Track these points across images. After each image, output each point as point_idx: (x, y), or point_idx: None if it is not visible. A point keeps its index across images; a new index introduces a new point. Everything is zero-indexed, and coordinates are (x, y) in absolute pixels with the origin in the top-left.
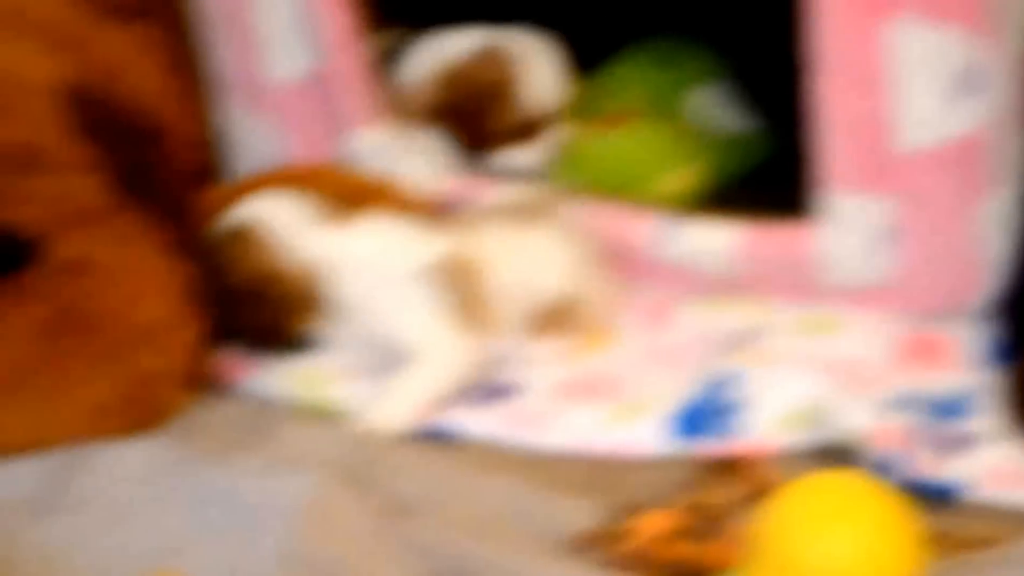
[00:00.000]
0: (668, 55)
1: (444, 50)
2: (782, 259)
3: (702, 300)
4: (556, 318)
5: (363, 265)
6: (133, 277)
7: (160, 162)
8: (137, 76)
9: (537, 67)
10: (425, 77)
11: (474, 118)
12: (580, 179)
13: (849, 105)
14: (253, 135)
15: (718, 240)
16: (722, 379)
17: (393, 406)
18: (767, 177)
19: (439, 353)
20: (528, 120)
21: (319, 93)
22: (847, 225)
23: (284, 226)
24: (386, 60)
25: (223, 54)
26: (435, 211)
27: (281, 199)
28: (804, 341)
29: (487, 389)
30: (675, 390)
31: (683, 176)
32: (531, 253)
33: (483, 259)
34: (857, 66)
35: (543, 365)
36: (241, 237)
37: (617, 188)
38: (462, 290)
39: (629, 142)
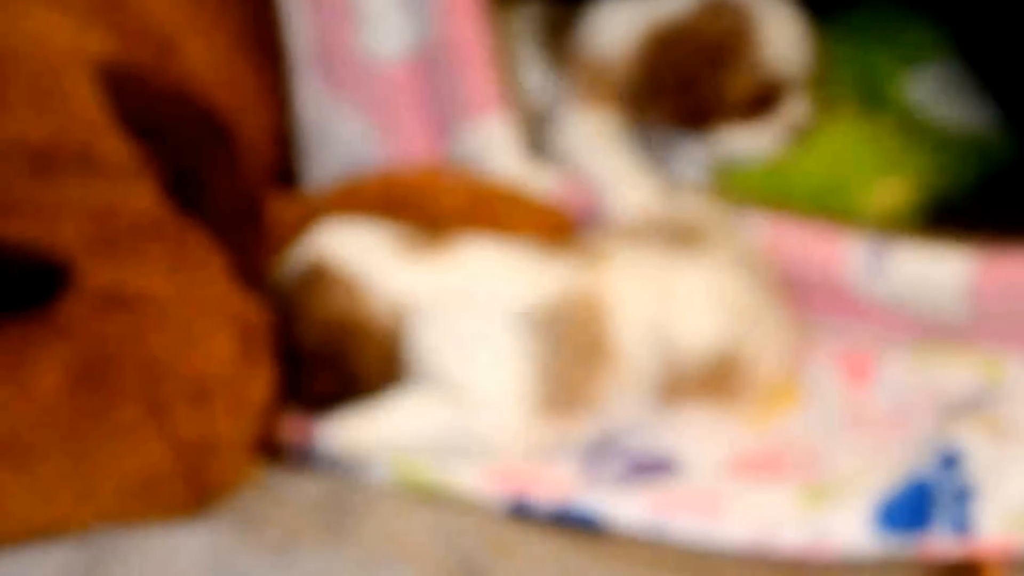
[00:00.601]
0: (880, 27)
1: (653, 9)
2: None
3: (918, 350)
4: (711, 382)
5: (447, 307)
6: (187, 313)
7: (224, 164)
8: (195, 51)
9: (777, 23)
10: (626, 44)
11: (697, 84)
12: (760, 190)
13: None
14: (343, 128)
15: (942, 272)
16: (943, 456)
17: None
18: (1007, 189)
19: (492, 432)
20: (765, 90)
21: (429, 74)
22: None
23: (366, 264)
24: (554, 33)
25: (304, 24)
26: (574, 230)
27: (362, 228)
28: None
29: (634, 462)
30: (881, 469)
31: (898, 187)
32: (682, 292)
33: (611, 300)
34: None
35: (705, 434)
36: (313, 280)
37: (810, 202)
38: (567, 347)
39: (827, 142)
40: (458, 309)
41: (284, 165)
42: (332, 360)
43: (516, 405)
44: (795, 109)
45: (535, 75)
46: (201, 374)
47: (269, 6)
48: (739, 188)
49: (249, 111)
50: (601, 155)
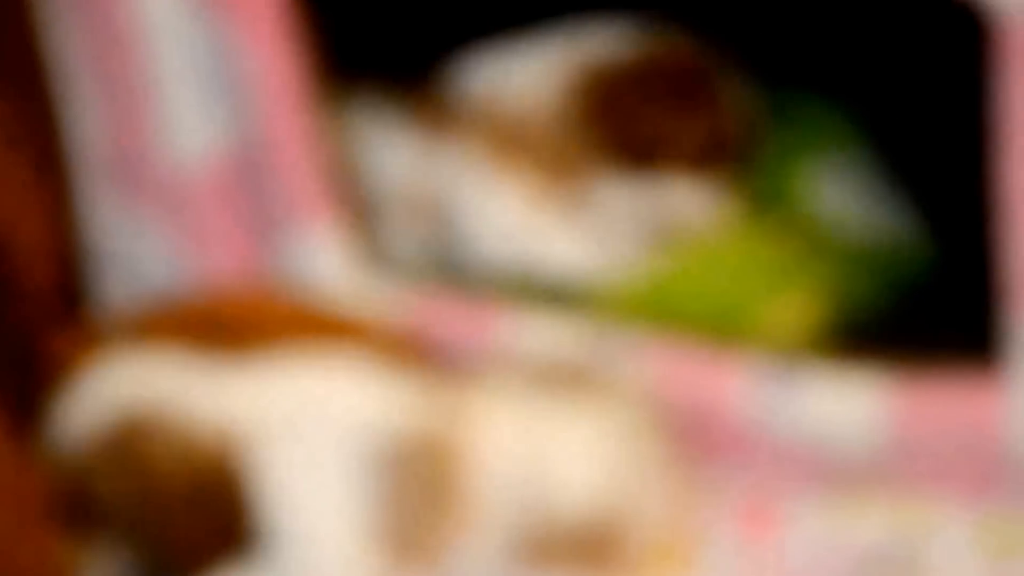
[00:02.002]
0: (777, 111)
1: (578, 45)
2: (953, 435)
3: (828, 497)
4: (584, 546)
5: (273, 439)
6: None
7: None
8: None
9: (726, 76)
10: (546, 89)
11: (648, 118)
12: (646, 308)
13: None
14: (142, 244)
15: (854, 404)
16: None
17: None
18: (928, 305)
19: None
20: (718, 138)
21: (243, 178)
22: None
23: (180, 398)
24: (421, 108)
25: (94, 124)
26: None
27: (152, 357)
28: (989, 566)
29: None
30: None
31: (797, 303)
32: (556, 443)
33: (467, 441)
34: None
35: None
36: (126, 436)
37: (701, 322)
38: (417, 488)
39: (719, 249)
40: (286, 440)
41: (67, 290)
42: (167, 521)
43: (352, 554)
44: (741, 170)
45: (403, 161)
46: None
47: (46, 103)
48: (622, 306)
49: (25, 226)
50: (535, 225)
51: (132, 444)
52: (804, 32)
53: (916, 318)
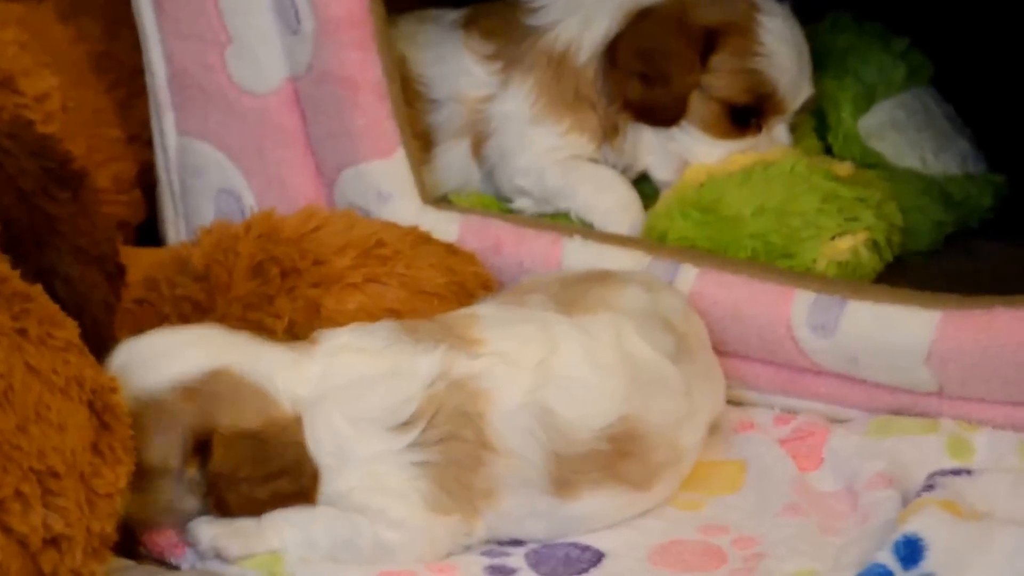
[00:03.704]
0: (841, 57)
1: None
2: (1000, 359)
3: (873, 426)
4: (610, 462)
5: (327, 414)
6: (34, 390)
7: (74, 214)
8: (40, 87)
9: (781, 30)
10: (603, 33)
11: (672, 76)
12: (698, 237)
13: None
14: (212, 174)
15: (903, 329)
16: (902, 548)
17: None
18: (985, 235)
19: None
20: (749, 100)
21: (312, 111)
22: None
23: (262, 368)
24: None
25: (168, 56)
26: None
27: (222, 332)
28: None
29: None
30: (836, 565)
31: (853, 237)
32: (564, 369)
33: (489, 379)
34: None
35: (627, 524)
36: (218, 391)
37: (755, 252)
38: (448, 440)
39: (779, 189)
40: (337, 416)
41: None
42: (258, 470)
43: (408, 508)
44: (777, 136)
45: (475, 75)
46: (50, 461)
47: (126, 35)
48: (671, 229)
49: (104, 154)
50: (576, 174)
51: (211, 398)
52: None
53: (976, 251)
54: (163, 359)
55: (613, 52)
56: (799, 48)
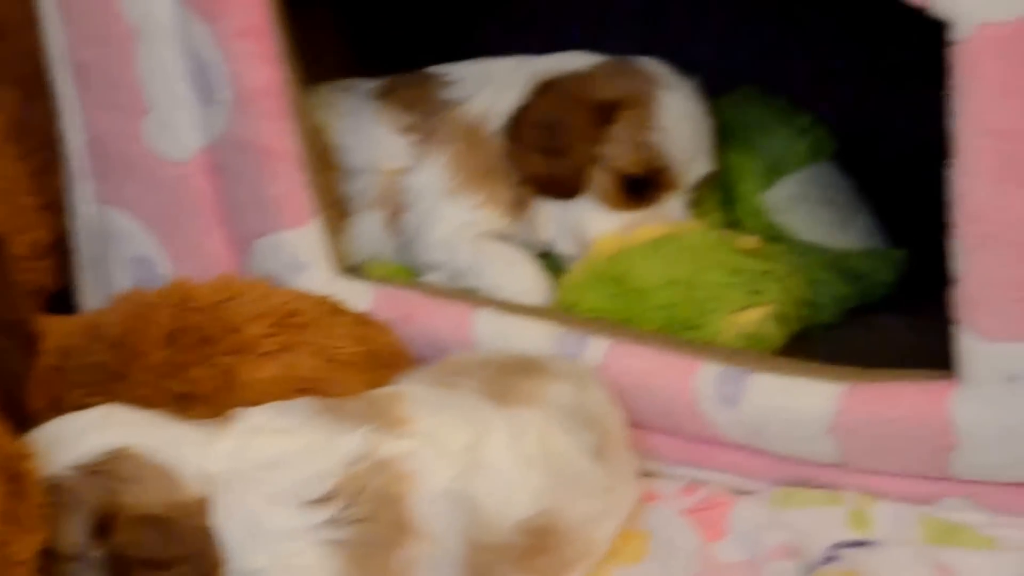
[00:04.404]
0: (746, 131)
1: (543, 64)
2: (900, 431)
3: (777, 496)
4: (528, 554)
5: (239, 493)
6: None
7: None
8: None
9: (680, 106)
10: (509, 103)
11: (572, 148)
12: (607, 309)
13: (1008, 204)
14: (128, 243)
15: (806, 400)
16: None
17: None
18: (886, 309)
19: None
20: (645, 173)
21: (228, 179)
22: (997, 386)
23: (169, 448)
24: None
25: (85, 125)
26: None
27: (138, 412)
28: (930, 554)
29: None
30: None
31: (757, 310)
32: (491, 456)
33: (415, 462)
34: (1018, 146)
35: None
36: (118, 470)
37: (663, 324)
38: (369, 526)
39: (685, 261)
40: (250, 493)
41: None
42: (159, 554)
43: None
44: (672, 209)
45: (391, 147)
46: None
47: (43, 103)
48: (581, 302)
49: (20, 222)
50: (485, 249)
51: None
52: (779, 44)
53: (877, 325)
54: (68, 441)
55: (515, 126)
56: (697, 125)
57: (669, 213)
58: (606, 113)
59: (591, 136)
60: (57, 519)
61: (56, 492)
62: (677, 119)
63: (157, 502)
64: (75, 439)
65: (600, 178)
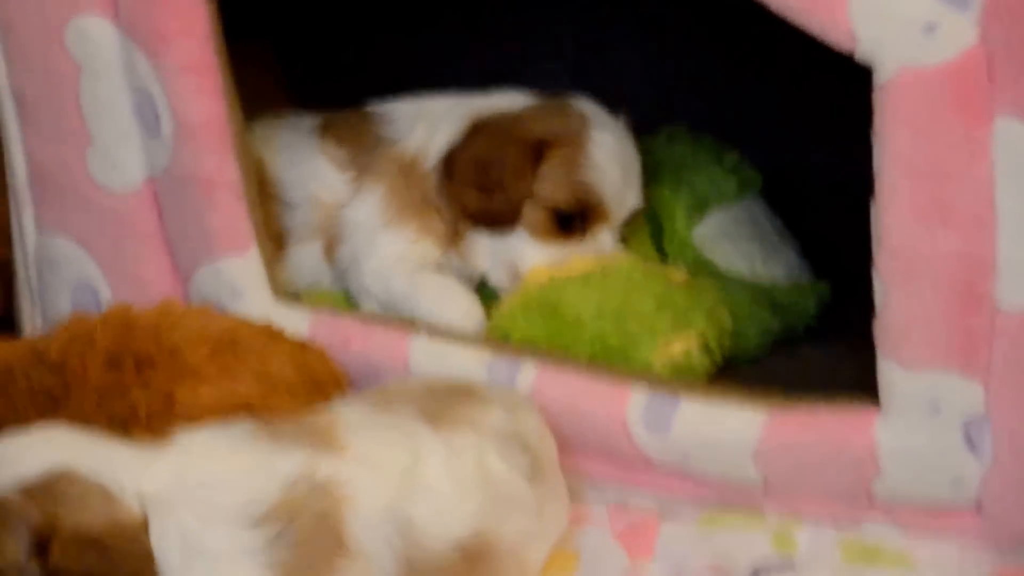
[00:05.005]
0: (677, 166)
1: (482, 102)
2: (823, 457)
3: (703, 518)
4: (469, 570)
5: (174, 511)
6: None
7: None
8: None
9: (610, 144)
10: (446, 140)
11: (505, 181)
12: (540, 337)
13: (929, 241)
14: (69, 268)
15: (732, 427)
16: None
17: None
18: (810, 340)
19: None
20: (575, 207)
21: (168, 209)
22: (918, 414)
23: (106, 466)
24: (340, 140)
25: (29, 152)
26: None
27: (75, 430)
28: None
29: None
30: None
31: (685, 343)
32: (425, 477)
33: (352, 484)
34: (938, 185)
35: None
36: (55, 489)
37: (594, 353)
38: (303, 546)
39: (615, 292)
40: (187, 513)
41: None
42: (101, 571)
43: None
44: (601, 241)
45: (328, 178)
46: None
47: None
48: (514, 330)
49: None
50: (420, 278)
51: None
52: (706, 83)
53: (801, 355)
54: (9, 460)
55: (450, 163)
56: (626, 162)
57: (600, 246)
58: (538, 151)
59: (524, 173)
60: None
61: None
62: (607, 157)
63: (96, 523)
64: (16, 458)
65: (532, 213)
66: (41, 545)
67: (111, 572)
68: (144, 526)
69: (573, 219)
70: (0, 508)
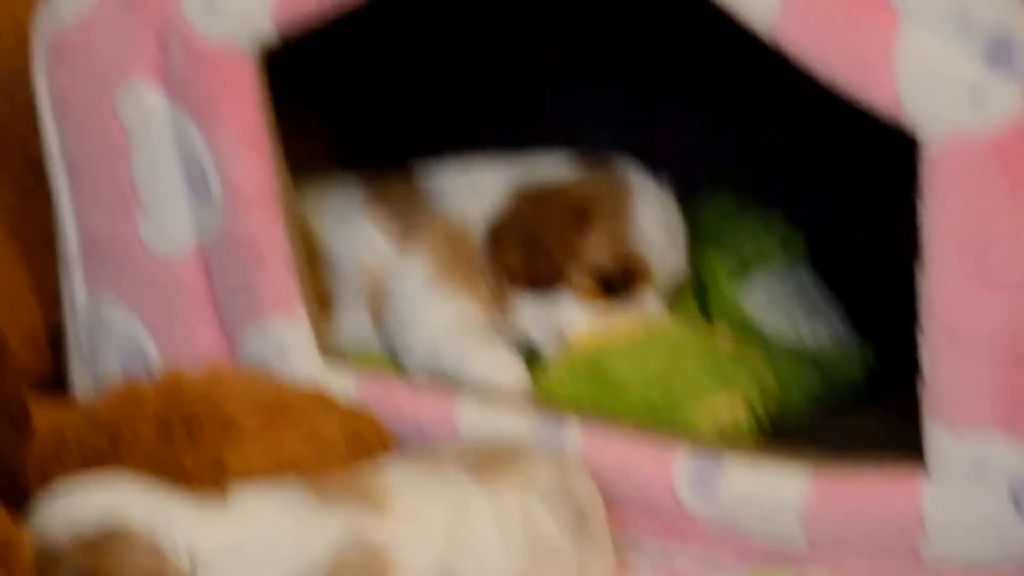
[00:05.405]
0: (718, 229)
1: (526, 169)
2: (871, 522)
3: (749, 574)
4: None
5: (227, 572)
6: None
7: None
8: None
9: (655, 209)
10: (489, 206)
11: (549, 242)
12: (584, 399)
13: (975, 306)
14: (119, 330)
15: (778, 489)
16: None
17: None
18: (855, 404)
19: None
20: (620, 271)
21: (217, 271)
22: (964, 477)
23: (160, 520)
24: (390, 204)
25: (80, 216)
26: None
27: (137, 481)
28: None
29: None
30: None
31: (729, 404)
32: (474, 536)
33: (394, 549)
34: (985, 252)
35: None
36: (106, 540)
37: (637, 416)
38: None
39: (659, 352)
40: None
41: (52, 372)
42: None
43: None
44: (647, 304)
45: (375, 243)
46: None
47: (40, 197)
48: (561, 394)
49: (14, 309)
50: (467, 342)
51: (103, 553)
52: (750, 149)
53: (834, 420)
54: (65, 506)
55: (496, 232)
56: (670, 226)
57: (644, 307)
58: (583, 217)
59: (569, 239)
60: None
61: (46, 555)
62: (651, 223)
63: None
64: (73, 505)
65: (577, 277)
66: None
67: None
68: None
69: (618, 284)
70: (50, 553)
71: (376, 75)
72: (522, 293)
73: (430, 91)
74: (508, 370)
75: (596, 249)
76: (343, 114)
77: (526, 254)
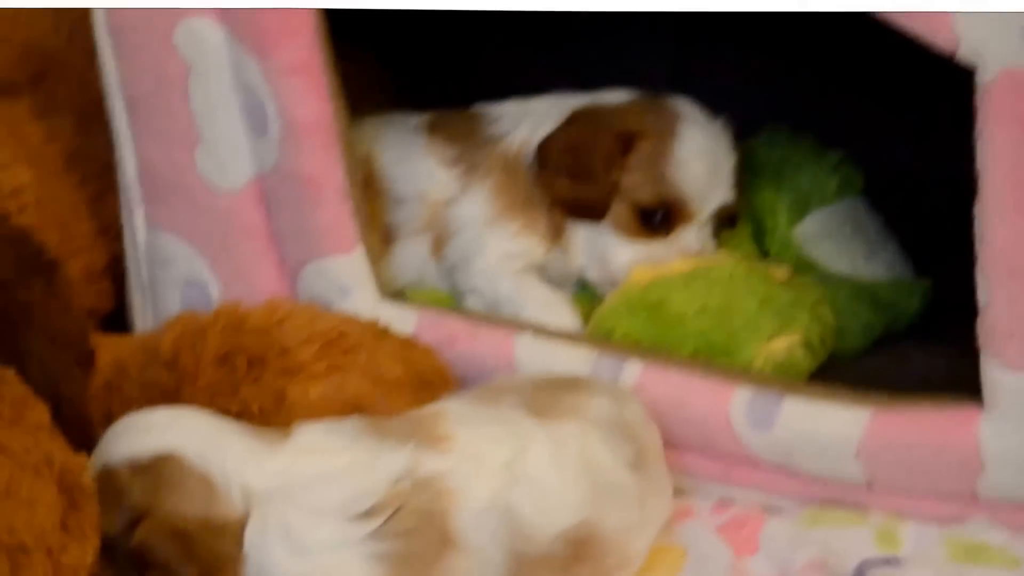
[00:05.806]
0: (777, 166)
1: (584, 99)
2: (926, 456)
3: (806, 515)
4: (567, 565)
5: (283, 507)
6: (4, 469)
7: (48, 301)
8: (16, 181)
9: (702, 143)
10: (540, 133)
11: (595, 171)
12: (643, 335)
13: None
14: (178, 266)
15: (835, 425)
16: None
17: None
18: (912, 339)
19: None
20: (661, 205)
21: (275, 208)
22: (1021, 413)
23: (218, 458)
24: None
25: (139, 153)
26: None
27: (202, 415)
28: (955, 573)
29: None
30: None
31: (787, 343)
32: (530, 470)
33: (453, 486)
34: None
35: None
36: (162, 473)
37: (697, 350)
38: (411, 541)
39: (717, 292)
40: (292, 509)
41: (114, 308)
42: (175, 563)
43: None
44: (684, 239)
45: (436, 178)
46: (20, 536)
47: (99, 132)
48: (618, 329)
49: (76, 247)
50: (525, 280)
51: (157, 486)
52: (807, 86)
53: (904, 354)
54: (128, 436)
55: (544, 149)
56: (716, 160)
57: (684, 245)
58: (627, 141)
59: (613, 162)
60: (102, 508)
61: (105, 481)
62: (694, 153)
63: (189, 513)
64: (134, 434)
65: (618, 208)
66: (134, 522)
67: (189, 564)
68: (239, 523)
69: (656, 216)
70: (109, 479)
71: (437, 21)
72: (573, 221)
73: (487, 35)
74: (561, 313)
75: (635, 177)
76: (402, 58)
77: (571, 176)
